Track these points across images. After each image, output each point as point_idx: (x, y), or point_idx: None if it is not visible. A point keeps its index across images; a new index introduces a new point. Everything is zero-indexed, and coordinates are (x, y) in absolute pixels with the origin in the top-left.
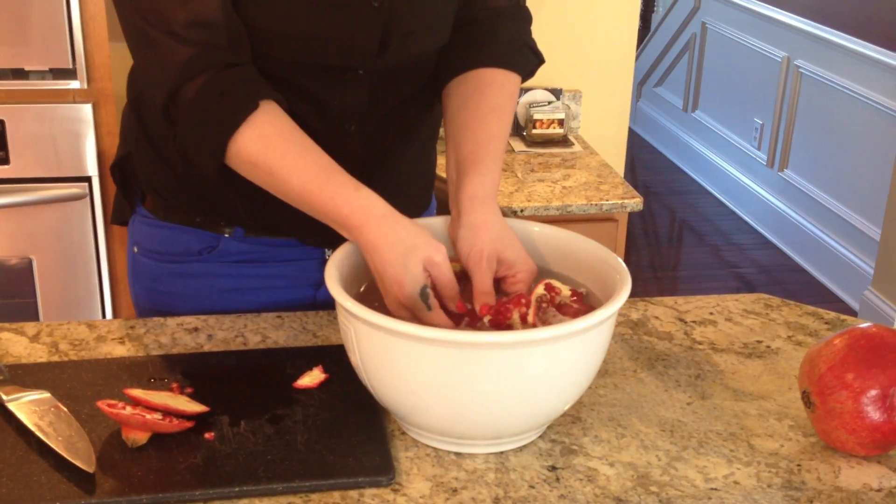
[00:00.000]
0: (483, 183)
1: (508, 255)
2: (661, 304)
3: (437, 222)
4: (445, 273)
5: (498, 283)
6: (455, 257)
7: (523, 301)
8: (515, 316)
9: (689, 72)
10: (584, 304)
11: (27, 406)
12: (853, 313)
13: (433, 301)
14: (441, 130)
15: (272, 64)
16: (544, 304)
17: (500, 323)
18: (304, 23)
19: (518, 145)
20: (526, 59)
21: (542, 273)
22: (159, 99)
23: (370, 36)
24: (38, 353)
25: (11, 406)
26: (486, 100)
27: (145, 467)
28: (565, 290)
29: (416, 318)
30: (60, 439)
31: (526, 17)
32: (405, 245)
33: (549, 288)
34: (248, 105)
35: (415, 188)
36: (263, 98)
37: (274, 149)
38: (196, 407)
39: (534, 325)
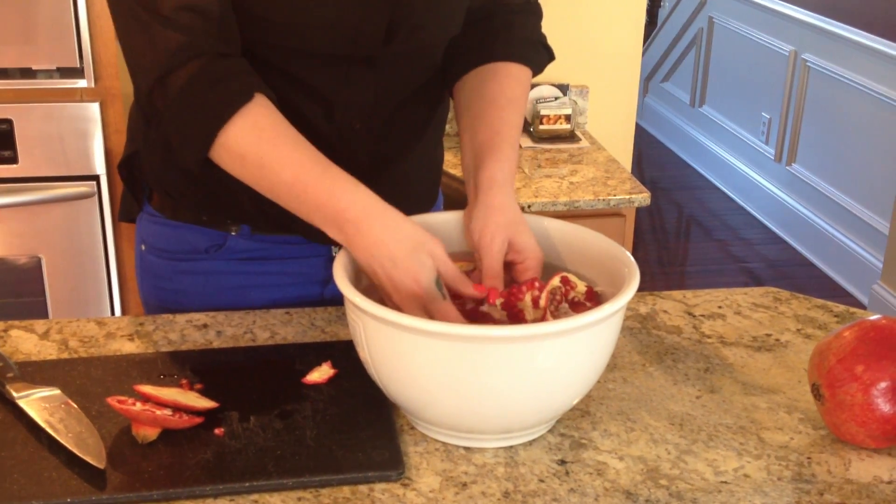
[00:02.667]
0: (501, 168)
1: (519, 240)
2: (669, 297)
3: (447, 217)
4: (448, 263)
5: (506, 267)
6: (460, 253)
7: (536, 285)
8: (527, 299)
9: (696, 67)
10: (597, 303)
11: (38, 403)
12: (862, 307)
13: (445, 291)
14: (448, 127)
15: (277, 54)
16: (557, 297)
17: (512, 306)
18: (310, 11)
19: (525, 141)
20: (539, 55)
21: (550, 267)
22: (145, 83)
23: (377, 24)
24: (47, 351)
25: (22, 403)
26: (502, 91)
27: (156, 463)
28: (581, 286)
29: (427, 311)
30: (71, 436)
31: (538, 13)
32: (412, 240)
33: (564, 281)
34: (244, 95)
35: (421, 184)
36: (258, 91)
37: (267, 140)
38: (206, 403)
39: (545, 309)
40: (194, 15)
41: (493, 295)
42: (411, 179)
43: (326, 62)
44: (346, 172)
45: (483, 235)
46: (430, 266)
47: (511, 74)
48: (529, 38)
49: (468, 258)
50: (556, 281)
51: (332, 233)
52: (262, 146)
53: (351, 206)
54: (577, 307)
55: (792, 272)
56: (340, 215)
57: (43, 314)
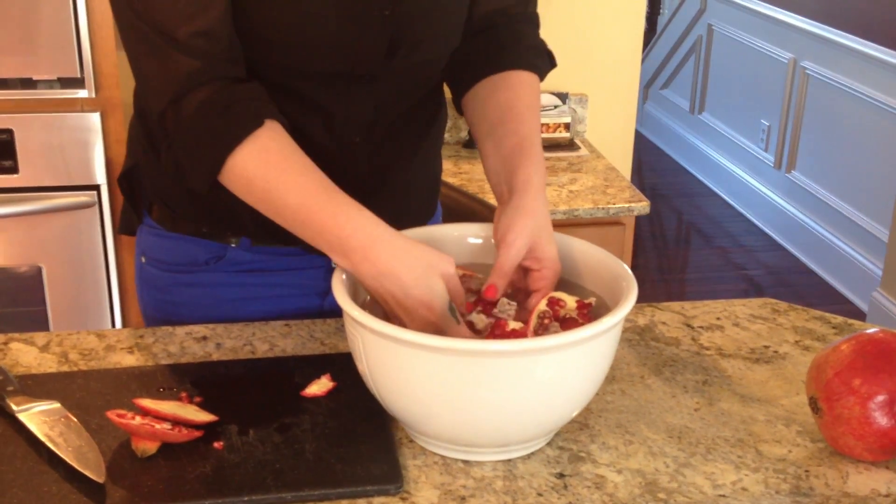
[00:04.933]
0: (537, 171)
1: (541, 247)
2: (667, 309)
3: (449, 230)
4: (456, 284)
5: (523, 273)
6: (466, 265)
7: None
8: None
9: (695, 74)
10: (588, 318)
11: (37, 417)
12: (862, 315)
13: (458, 315)
14: (447, 136)
15: (278, 72)
16: (546, 321)
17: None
18: (312, 31)
19: None
20: (544, 63)
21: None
22: (158, 106)
23: (378, 41)
24: (48, 364)
25: (22, 417)
26: (519, 98)
27: (155, 477)
28: (571, 302)
29: (441, 333)
30: (70, 449)
31: (537, 23)
32: (422, 265)
33: (552, 303)
34: (253, 122)
35: (421, 195)
36: (268, 117)
37: (274, 165)
38: (205, 416)
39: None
40: (207, 40)
41: (491, 290)
42: (411, 191)
43: (327, 79)
44: (352, 199)
45: (507, 233)
46: (441, 291)
47: (524, 82)
48: (536, 46)
49: (474, 269)
50: (542, 305)
51: (336, 259)
52: (269, 171)
53: (355, 233)
54: (567, 324)
55: (792, 279)
56: (345, 242)
57: (43, 324)
